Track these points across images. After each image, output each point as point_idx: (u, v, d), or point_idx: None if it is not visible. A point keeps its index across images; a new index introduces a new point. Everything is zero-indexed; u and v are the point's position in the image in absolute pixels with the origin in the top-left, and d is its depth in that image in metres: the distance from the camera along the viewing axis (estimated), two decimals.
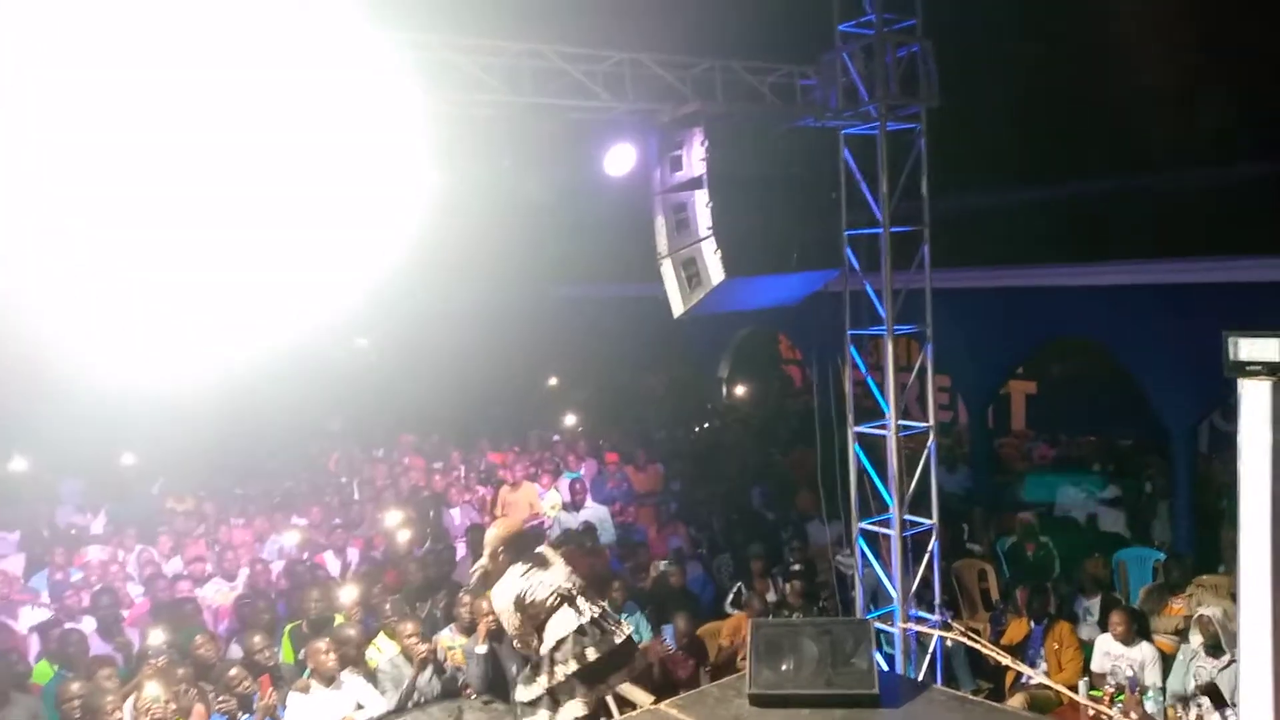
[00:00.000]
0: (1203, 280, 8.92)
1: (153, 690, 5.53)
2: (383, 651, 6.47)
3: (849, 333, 6.81)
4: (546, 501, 10.83)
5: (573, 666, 4.60)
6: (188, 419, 11.46)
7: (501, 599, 4.78)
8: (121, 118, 4.60)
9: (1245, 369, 4.48)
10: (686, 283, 6.09)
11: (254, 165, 5.30)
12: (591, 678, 4.66)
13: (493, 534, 4.96)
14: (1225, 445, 10.00)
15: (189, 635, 6.57)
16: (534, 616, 4.68)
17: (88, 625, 6.97)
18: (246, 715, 5.69)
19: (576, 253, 13.78)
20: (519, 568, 4.76)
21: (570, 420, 14.47)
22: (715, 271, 5.87)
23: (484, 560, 4.93)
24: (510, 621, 4.77)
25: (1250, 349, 4.48)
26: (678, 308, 6.21)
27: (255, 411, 14.23)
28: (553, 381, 18.27)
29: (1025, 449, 12.93)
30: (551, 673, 4.63)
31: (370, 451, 13.53)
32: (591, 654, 4.64)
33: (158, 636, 6.41)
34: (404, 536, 8.83)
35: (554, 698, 4.63)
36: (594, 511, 10.30)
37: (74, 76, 4.35)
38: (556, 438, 13.65)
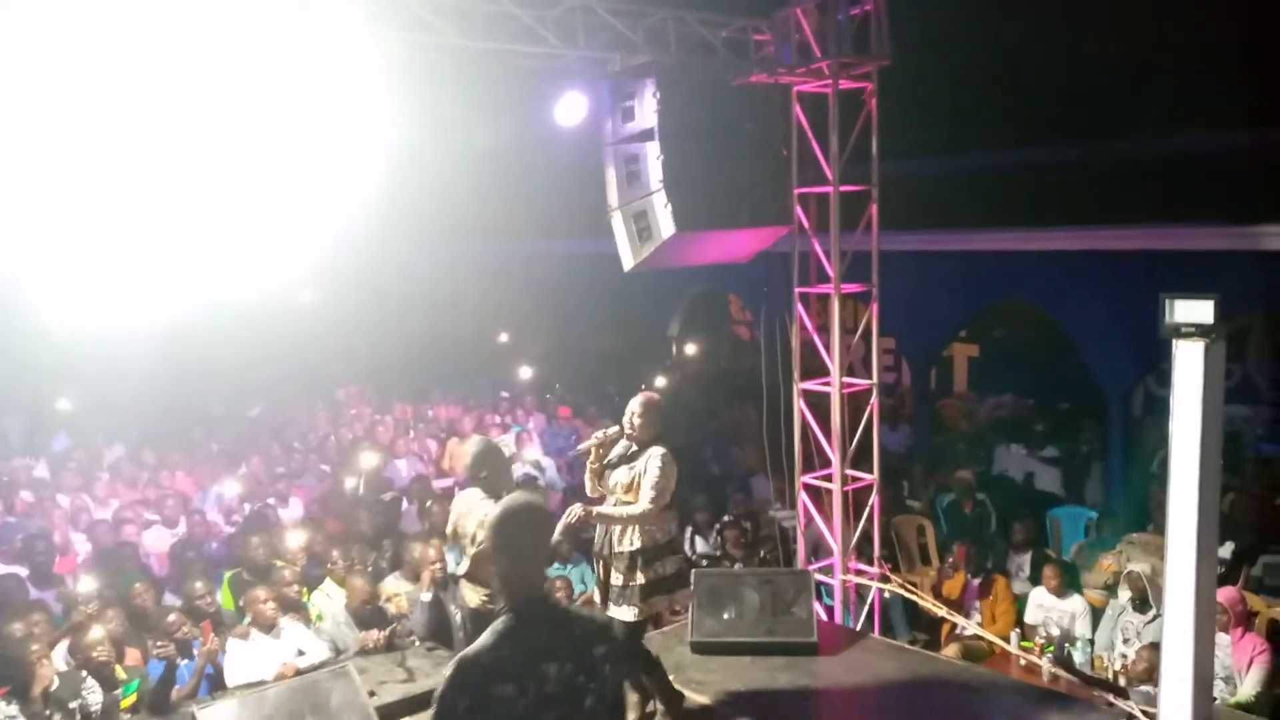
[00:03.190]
0: (1141, 247, 9.11)
1: (95, 633, 5.45)
2: (330, 598, 6.45)
3: (796, 290, 6.85)
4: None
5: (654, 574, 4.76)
6: (129, 366, 11.23)
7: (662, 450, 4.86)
8: (69, 63, 4.48)
9: (1180, 330, 4.60)
10: (637, 236, 6.05)
11: (203, 113, 5.17)
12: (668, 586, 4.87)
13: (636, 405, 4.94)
14: (1158, 409, 10.29)
15: (128, 580, 6.49)
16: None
17: (20, 571, 6.83)
18: (186, 660, 5.64)
19: (527, 207, 13.64)
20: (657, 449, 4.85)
21: (521, 375, 14.44)
22: (666, 225, 5.85)
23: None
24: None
25: (1185, 311, 4.61)
26: (628, 261, 6.18)
27: (198, 361, 13.98)
28: (503, 338, 18.18)
29: (966, 409, 13.18)
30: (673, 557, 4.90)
31: (314, 403, 13.37)
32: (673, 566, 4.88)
33: (90, 583, 6.31)
34: (349, 485, 8.77)
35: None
36: (541, 463, 10.33)
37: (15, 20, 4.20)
38: (505, 394, 13.63)
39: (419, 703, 5.30)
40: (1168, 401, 4.69)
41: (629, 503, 4.77)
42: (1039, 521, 8.88)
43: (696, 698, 5.27)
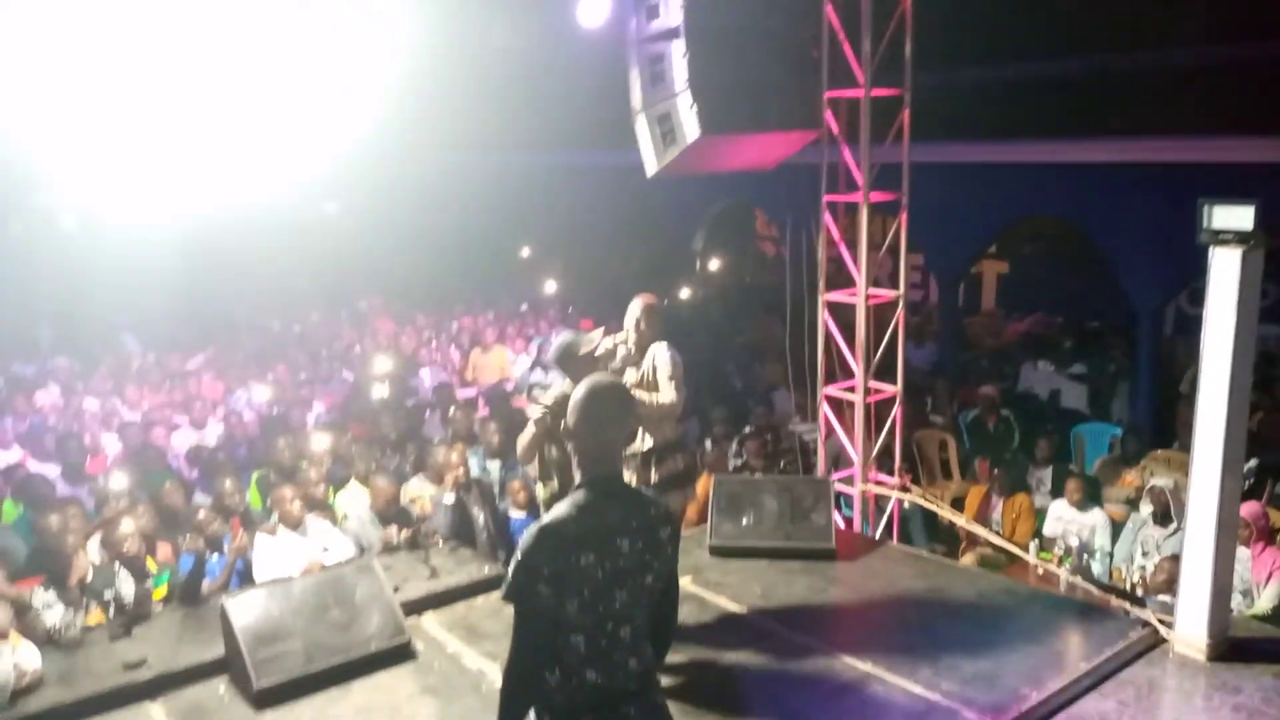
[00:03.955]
0: (1178, 159, 8.84)
1: (126, 526, 5.59)
2: (355, 499, 6.56)
3: (825, 199, 6.71)
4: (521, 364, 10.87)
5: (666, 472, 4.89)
6: (156, 275, 11.32)
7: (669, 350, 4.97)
8: None
9: (1218, 237, 4.49)
10: (661, 140, 5.92)
11: (226, 18, 5.07)
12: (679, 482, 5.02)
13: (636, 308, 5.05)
14: (1190, 328, 10.14)
15: (159, 480, 6.62)
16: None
17: (52, 470, 6.99)
18: (216, 555, 5.77)
19: (549, 117, 13.41)
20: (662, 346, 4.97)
21: (544, 288, 14.42)
22: (691, 127, 5.71)
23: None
24: None
25: (1224, 217, 4.48)
26: (651, 166, 6.07)
27: (224, 272, 14.08)
28: (525, 251, 18.11)
29: (993, 327, 13.05)
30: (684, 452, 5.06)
31: (338, 313, 13.45)
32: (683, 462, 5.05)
33: (121, 480, 6.44)
34: (373, 392, 8.85)
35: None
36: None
37: None
38: (525, 307, 13.63)
39: (442, 599, 5.42)
40: (1199, 320, 4.61)
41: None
42: (1063, 438, 8.85)
43: (714, 598, 5.35)
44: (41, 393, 9.23)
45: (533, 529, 2.54)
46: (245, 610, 4.66)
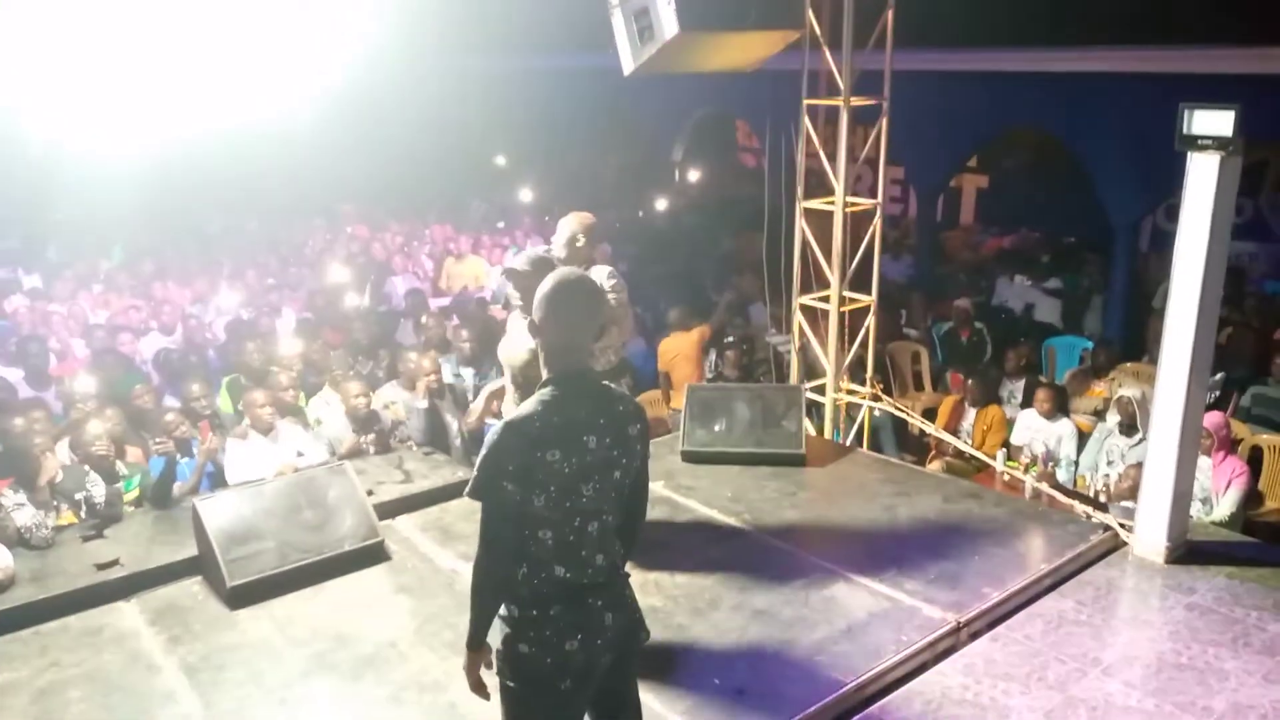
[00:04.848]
0: (1161, 70, 8.73)
1: (95, 428, 5.55)
2: (329, 405, 6.53)
3: (805, 103, 6.59)
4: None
5: None
6: (125, 184, 11.04)
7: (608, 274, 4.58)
8: None
9: (1196, 142, 4.45)
10: (638, 36, 5.75)
11: None
12: None
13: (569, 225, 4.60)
14: (1165, 245, 10.15)
15: (128, 384, 6.55)
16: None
17: (14, 374, 6.89)
18: (186, 459, 5.75)
19: (524, 19, 13.02)
20: (601, 269, 4.58)
21: (520, 196, 14.20)
22: (669, 23, 5.54)
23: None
24: None
25: (1204, 122, 4.43)
26: (628, 64, 5.91)
27: (195, 180, 13.77)
28: (500, 160, 17.79)
29: (970, 241, 13.04)
30: None
31: (311, 220, 13.23)
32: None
33: (89, 383, 6.37)
34: (345, 298, 8.76)
35: None
36: None
37: None
38: (501, 224, 13.45)
39: (415, 502, 5.46)
40: (1174, 237, 4.60)
41: None
42: (1035, 351, 8.92)
43: (685, 501, 5.41)
44: (10, 299, 9.09)
45: (498, 426, 2.52)
46: (217, 511, 4.67)
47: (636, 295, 10.76)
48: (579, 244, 4.58)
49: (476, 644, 2.59)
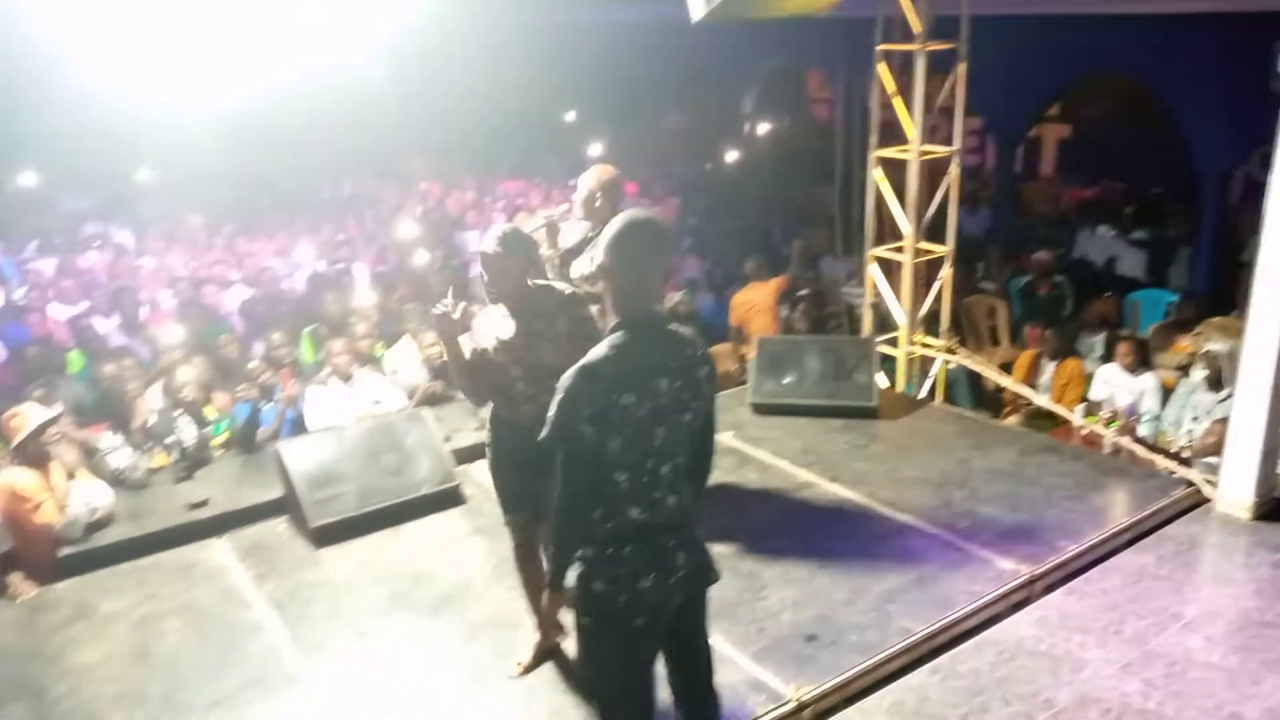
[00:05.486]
0: (1259, 8, 8.28)
1: (184, 375, 5.77)
2: (405, 353, 6.68)
3: (878, 48, 6.44)
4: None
5: None
6: (203, 141, 11.31)
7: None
8: None
9: None
10: None
11: None
12: None
13: (589, 180, 4.40)
14: (1257, 197, 9.73)
15: (214, 333, 6.77)
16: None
17: (112, 322, 7.17)
18: (269, 405, 5.94)
19: None
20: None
21: (589, 152, 14.18)
22: None
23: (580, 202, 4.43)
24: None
25: None
26: (696, 11, 5.82)
27: (269, 139, 14.03)
28: (570, 115, 17.74)
29: (1050, 193, 12.66)
30: None
31: (385, 177, 13.41)
32: None
33: (177, 332, 6.61)
34: (418, 254, 8.89)
35: None
36: None
37: None
38: (572, 182, 13.45)
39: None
40: (1266, 188, 4.40)
41: (592, 293, 4.12)
42: (1118, 304, 8.67)
43: (754, 452, 5.42)
44: (93, 253, 9.43)
45: (573, 371, 2.53)
46: (300, 455, 4.84)
47: (705, 249, 10.76)
48: (597, 202, 4.34)
49: (558, 584, 2.64)
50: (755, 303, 7.99)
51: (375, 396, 6.11)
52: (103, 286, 8.16)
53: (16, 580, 4.46)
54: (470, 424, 5.81)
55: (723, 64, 14.06)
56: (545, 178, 13.22)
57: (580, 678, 2.71)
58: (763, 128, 15.19)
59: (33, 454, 4.79)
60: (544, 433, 2.54)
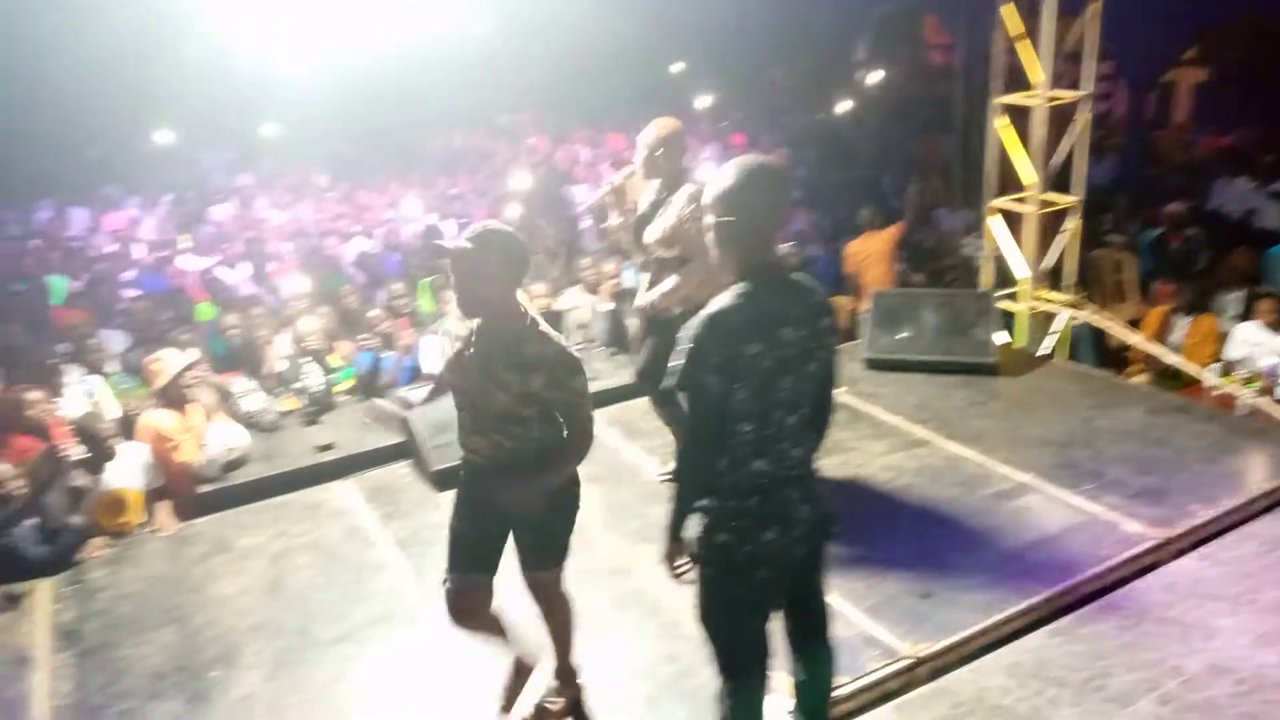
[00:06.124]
0: None
1: (308, 324, 6.00)
2: None
3: None
4: None
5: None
6: (322, 98, 11.62)
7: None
8: None
9: None
10: None
11: None
12: None
13: (649, 135, 4.07)
14: None
15: (336, 284, 7.01)
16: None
17: (243, 271, 7.48)
18: (389, 353, 6.13)
19: None
20: (689, 189, 3.97)
21: (696, 103, 14.03)
22: None
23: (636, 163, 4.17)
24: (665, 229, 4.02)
25: None
26: None
27: (384, 92, 14.31)
28: (678, 66, 17.55)
29: (1183, 141, 11.95)
30: None
31: (494, 130, 13.56)
32: None
33: (303, 283, 6.86)
34: (528, 206, 8.99)
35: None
36: None
37: None
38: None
39: (601, 400, 5.57)
40: None
41: (667, 259, 4.07)
42: (1256, 259, 8.16)
43: (868, 408, 5.34)
44: (226, 208, 9.84)
45: (699, 320, 2.48)
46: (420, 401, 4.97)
47: (815, 200, 10.55)
48: (658, 156, 4.01)
49: (678, 533, 2.64)
50: (871, 252, 7.77)
51: None
52: (231, 239, 8.50)
53: (163, 514, 4.76)
54: None
55: (835, 10, 13.67)
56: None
57: (699, 624, 2.72)
58: (875, 75, 14.74)
59: (174, 396, 5.09)
60: (669, 381, 2.53)
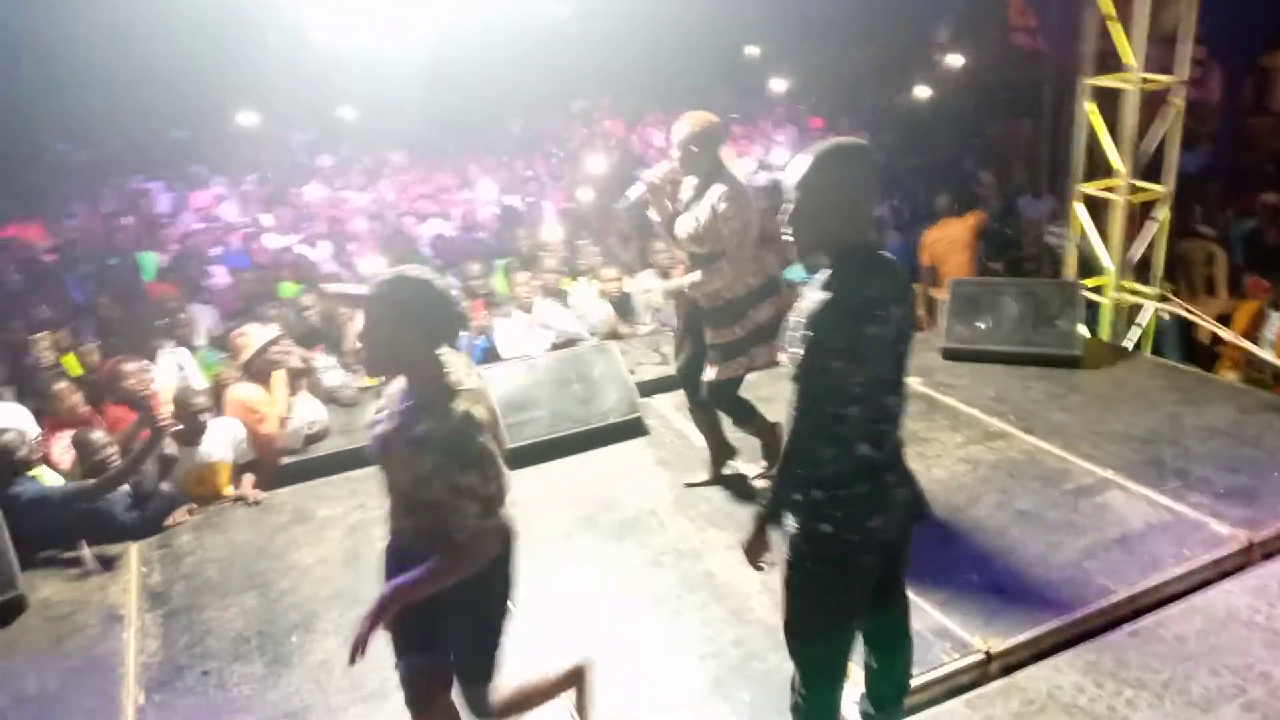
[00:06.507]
0: None
1: None
2: (586, 290, 6.84)
3: None
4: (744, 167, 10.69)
5: (762, 317, 4.12)
6: (400, 80, 11.80)
7: (727, 190, 3.97)
8: None
9: None
10: None
11: None
12: (765, 336, 4.14)
13: (682, 130, 4.04)
14: None
15: (412, 263, 7.12)
16: (748, 228, 4.02)
17: (324, 250, 7.66)
18: (464, 333, 6.21)
19: None
20: (718, 188, 3.97)
21: (773, 87, 13.90)
22: None
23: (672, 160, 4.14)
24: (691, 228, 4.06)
25: None
26: None
27: (462, 75, 14.47)
28: (754, 49, 17.39)
29: None
30: (745, 320, 4.12)
31: (570, 115, 13.61)
32: (767, 313, 4.12)
33: (380, 263, 6.99)
34: (603, 190, 9.01)
35: (744, 345, 4.14)
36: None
37: None
38: (734, 115, 13.27)
39: (671, 383, 5.61)
40: None
41: (698, 254, 4.07)
42: None
43: (944, 399, 5.26)
44: (308, 188, 10.07)
45: (819, 305, 2.35)
46: (498, 380, 5.06)
47: (893, 186, 10.38)
48: (693, 151, 3.98)
49: (776, 520, 2.55)
50: (952, 237, 7.58)
51: (558, 328, 6.30)
52: (314, 219, 8.70)
53: (247, 484, 4.91)
54: (652, 359, 5.92)
55: None
56: (730, 114, 13.04)
57: (790, 632, 2.66)
58: (956, 58, 14.41)
59: (258, 370, 5.24)
60: (794, 372, 2.41)
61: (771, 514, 2.56)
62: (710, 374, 4.21)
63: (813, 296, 2.38)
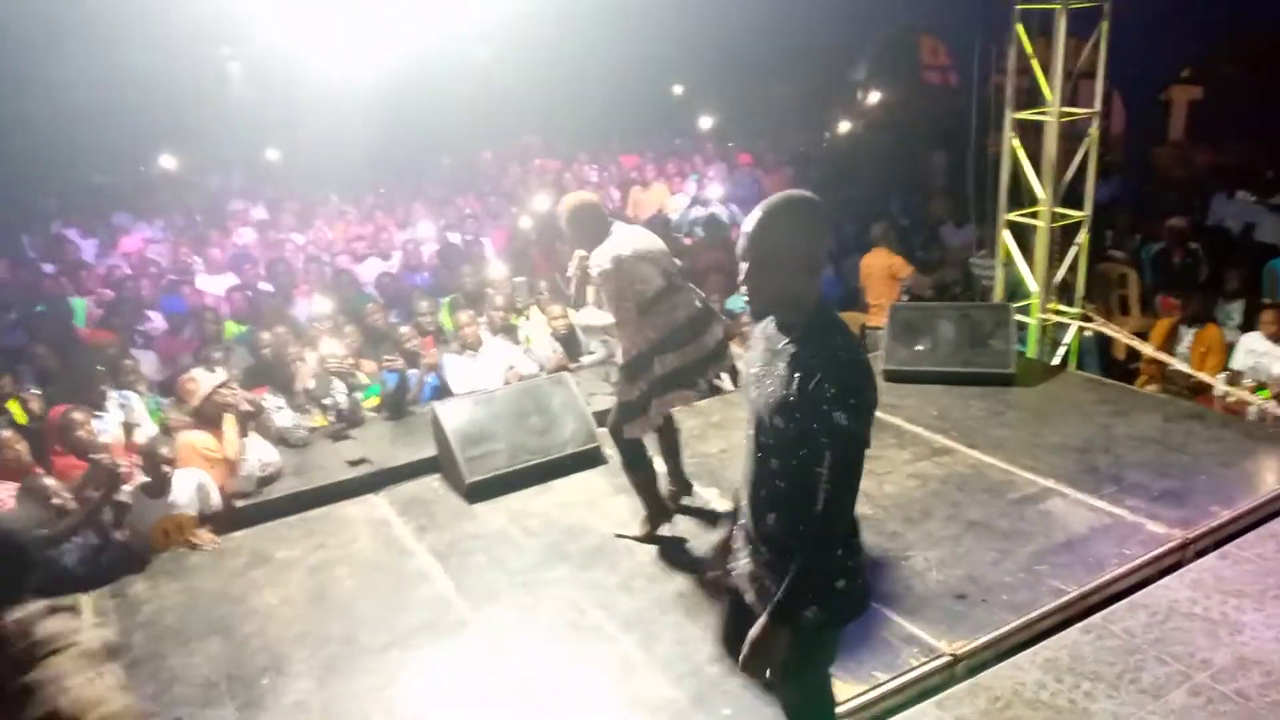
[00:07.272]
0: None
1: (329, 346, 6.10)
2: (537, 324, 6.91)
3: (1018, 7, 6.31)
4: (676, 202, 10.92)
5: (667, 368, 4.09)
6: (327, 122, 11.78)
7: (603, 257, 4.02)
8: None
9: None
10: None
11: None
12: (681, 380, 4.16)
13: (561, 214, 4.24)
14: None
15: (360, 303, 7.11)
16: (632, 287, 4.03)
17: (265, 290, 7.56)
18: (414, 370, 6.22)
19: None
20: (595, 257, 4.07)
21: (700, 124, 14.23)
22: None
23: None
24: (609, 282, 4.06)
25: None
26: None
27: (389, 117, 14.47)
28: (679, 89, 17.77)
29: (1182, 157, 12.15)
30: (649, 373, 4.11)
31: (504, 154, 13.72)
32: (682, 358, 4.11)
33: (325, 304, 6.96)
34: (538, 225, 9.12)
35: (644, 401, 4.16)
36: (720, 209, 10.36)
37: None
38: (678, 140, 13.57)
39: (625, 411, 5.72)
40: None
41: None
42: (1255, 272, 8.32)
43: (889, 419, 5.45)
44: (241, 229, 9.96)
45: (853, 369, 2.25)
46: (455, 415, 5.09)
47: None
48: (576, 230, 4.12)
49: (806, 605, 2.34)
50: (881, 265, 7.88)
51: (507, 364, 6.34)
52: (252, 260, 8.59)
53: (201, 530, 4.83)
54: (605, 389, 6.00)
55: (834, 30, 13.89)
56: (660, 151, 13.31)
57: (788, 685, 2.61)
58: (875, 96, 14.96)
59: (208, 415, 5.17)
60: (851, 450, 2.27)
61: (801, 595, 2.33)
62: (613, 425, 4.26)
63: (825, 362, 2.24)
